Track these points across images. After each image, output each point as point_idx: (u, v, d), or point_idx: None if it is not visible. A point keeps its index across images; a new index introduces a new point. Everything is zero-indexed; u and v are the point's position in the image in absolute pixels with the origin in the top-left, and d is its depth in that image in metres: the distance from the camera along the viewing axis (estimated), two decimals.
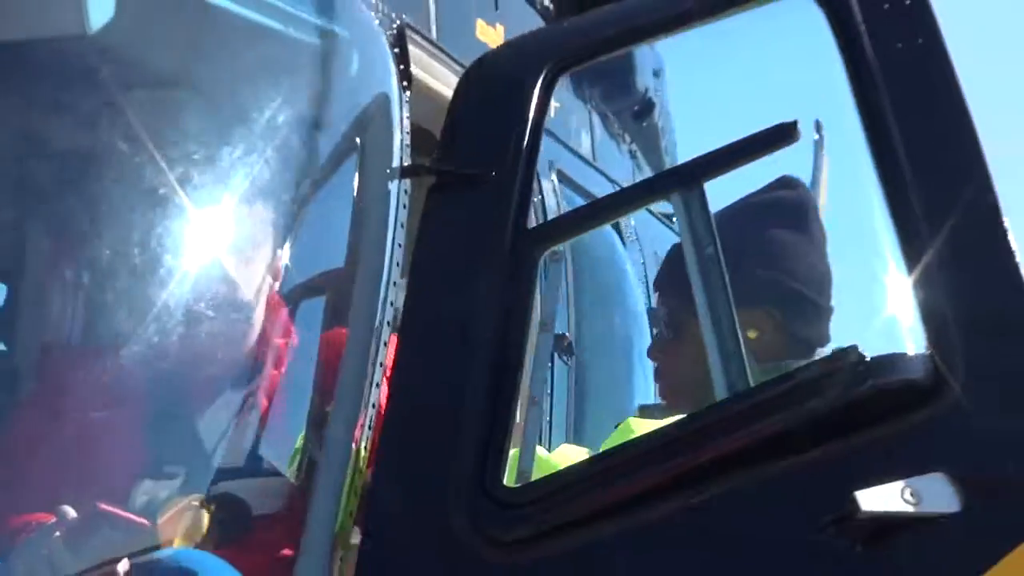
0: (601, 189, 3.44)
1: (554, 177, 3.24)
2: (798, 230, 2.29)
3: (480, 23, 3.06)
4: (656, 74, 4.38)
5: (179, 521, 1.74)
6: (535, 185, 3.00)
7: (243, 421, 1.95)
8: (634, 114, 4.33)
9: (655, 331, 2.40)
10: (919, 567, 1.56)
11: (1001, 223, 1.62)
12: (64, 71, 1.97)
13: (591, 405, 3.09)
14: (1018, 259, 1.60)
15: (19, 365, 2.16)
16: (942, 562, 1.55)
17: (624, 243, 3.58)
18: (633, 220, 3.61)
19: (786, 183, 2.36)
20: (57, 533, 1.62)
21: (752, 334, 2.19)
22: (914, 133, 1.70)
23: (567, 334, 2.98)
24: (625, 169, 4.22)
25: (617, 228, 3.58)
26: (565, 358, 2.96)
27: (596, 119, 4.05)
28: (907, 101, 1.73)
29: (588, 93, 3.97)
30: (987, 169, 1.67)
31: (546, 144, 3.25)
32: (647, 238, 3.70)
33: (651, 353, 2.40)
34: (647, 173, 4.29)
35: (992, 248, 1.63)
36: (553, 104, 3.45)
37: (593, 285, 3.34)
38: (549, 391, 2.87)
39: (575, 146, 3.74)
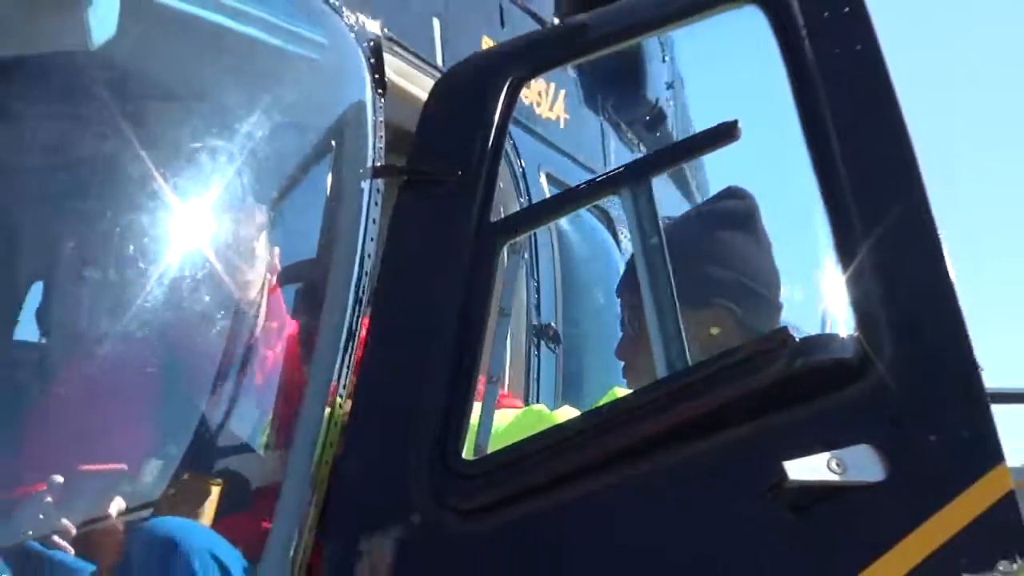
0: None
1: (543, 179, 3.37)
2: (749, 235, 2.41)
3: (486, 39, 3.21)
4: (669, 86, 4.51)
5: (184, 494, 1.90)
6: (523, 186, 3.14)
7: (237, 402, 2.10)
8: (646, 124, 4.45)
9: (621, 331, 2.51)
10: (846, 532, 1.67)
11: (929, 222, 1.74)
12: (67, 83, 2.14)
13: (575, 390, 3.21)
14: (942, 257, 1.72)
15: (53, 355, 2.29)
16: (867, 527, 1.65)
17: (619, 243, 3.70)
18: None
19: (734, 193, 2.50)
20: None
21: (715, 330, 2.32)
22: (850, 135, 1.82)
23: (552, 324, 3.10)
24: None
25: (612, 227, 3.70)
26: (552, 346, 3.08)
27: (609, 129, 4.16)
28: (844, 104, 1.85)
29: (601, 104, 4.08)
30: (918, 168, 1.79)
31: (535, 148, 3.40)
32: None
33: (617, 351, 2.52)
34: None
35: (919, 246, 1.75)
36: (563, 115, 3.59)
37: (579, 279, 3.47)
38: (536, 377, 3.01)
39: (589, 154, 3.86)
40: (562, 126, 3.67)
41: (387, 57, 2.18)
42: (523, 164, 3.14)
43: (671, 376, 1.74)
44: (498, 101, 1.95)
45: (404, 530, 1.70)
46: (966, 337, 1.68)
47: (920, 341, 1.70)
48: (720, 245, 2.40)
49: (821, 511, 1.64)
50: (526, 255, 2.90)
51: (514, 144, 3.04)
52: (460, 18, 3.08)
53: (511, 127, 2.10)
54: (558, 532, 1.73)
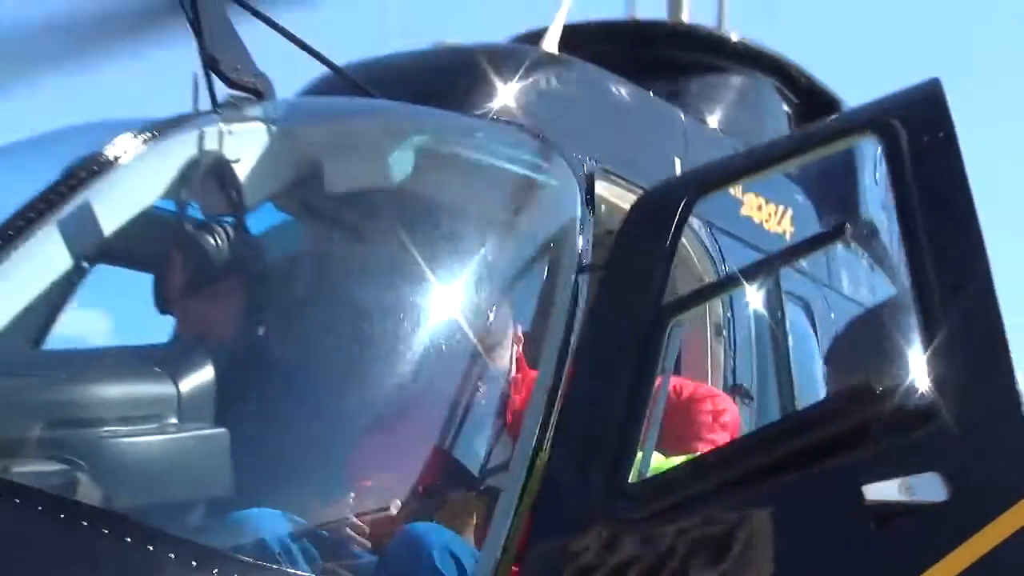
0: None
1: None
2: None
3: None
4: None
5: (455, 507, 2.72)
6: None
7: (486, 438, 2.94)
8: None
9: None
10: (918, 543, 2.20)
11: (991, 310, 2.26)
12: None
13: None
14: (997, 348, 2.23)
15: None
16: (935, 538, 2.18)
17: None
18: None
19: None
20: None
21: None
22: (938, 239, 2.38)
23: (746, 384, 3.66)
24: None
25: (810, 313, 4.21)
26: (747, 401, 3.64)
27: None
28: (934, 217, 2.41)
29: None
30: (988, 269, 2.31)
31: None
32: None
33: None
34: None
35: (987, 334, 2.26)
36: (790, 228, 4.09)
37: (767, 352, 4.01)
38: None
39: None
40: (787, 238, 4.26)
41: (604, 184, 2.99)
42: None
43: (783, 419, 2.37)
44: (673, 215, 2.67)
45: (590, 538, 2.37)
46: (1014, 404, 2.19)
47: (977, 401, 2.22)
48: None
49: (899, 525, 2.19)
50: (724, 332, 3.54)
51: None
52: (694, 157, 3.72)
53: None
54: (698, 535, 2.35)
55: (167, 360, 2.62)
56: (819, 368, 3.90)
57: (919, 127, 2.52)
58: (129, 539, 2.09)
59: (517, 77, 3.47)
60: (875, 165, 3.16)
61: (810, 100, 5.20)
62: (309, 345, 2.97)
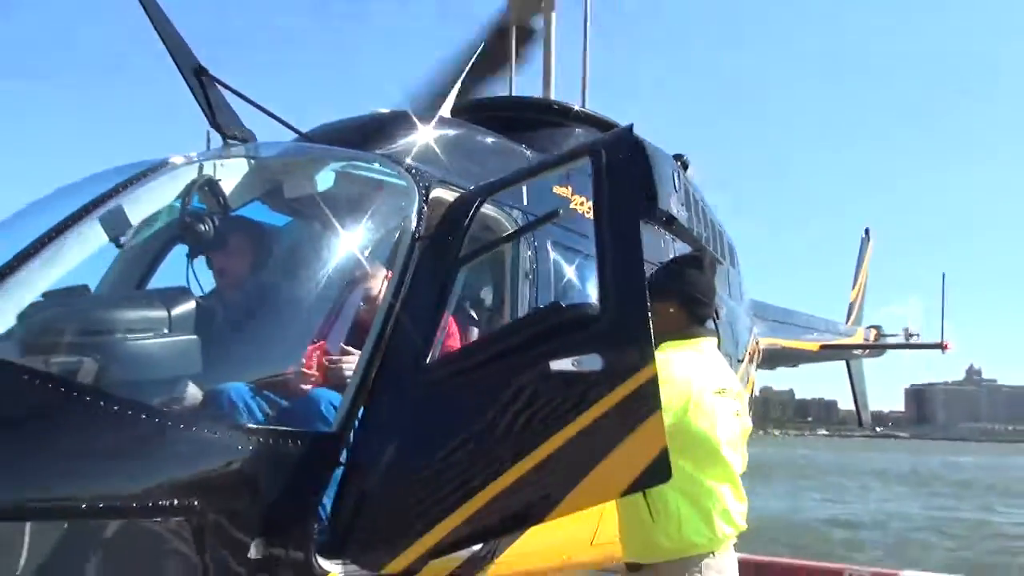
0: None
1: None
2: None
3: None
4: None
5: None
6: None
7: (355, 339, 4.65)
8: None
9: None
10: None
11: (637, 268, 3.89)
12: None
13: None
14: (640, 285, 3.86)
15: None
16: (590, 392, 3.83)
17: None
18: None
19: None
20: None
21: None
22: (613, 218, 4.03)
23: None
24: None
25: None
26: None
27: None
28: (610, 210, 4.08)
29: None
30: (640, 255, 3.91)
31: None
32: None
33: None
34: None
35: (628, 280, 3.87)
36: None
37: None
38: None
39: None
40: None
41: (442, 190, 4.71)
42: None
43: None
44: (471, 207, 4.35)
45: (405, 392, 4.04)
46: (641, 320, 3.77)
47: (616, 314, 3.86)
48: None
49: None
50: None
51: None
52: None
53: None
54: (463, 391, 3.99)
55: (166, 297, 4.26)
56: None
57: (612, 151, 4.16)
58: (121, 409, 3.39)
59: (414, 130, 5.30)
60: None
61: None
62: (259, 290, 4.73)
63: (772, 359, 11.49)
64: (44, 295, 4.02)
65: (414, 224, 4.43)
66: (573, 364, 3.77)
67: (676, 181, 7.86)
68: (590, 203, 5.86)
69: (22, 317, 3.82)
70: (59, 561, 3.30)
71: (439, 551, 3.84)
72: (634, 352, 3.74)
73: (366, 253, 4.54)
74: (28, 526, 3.18)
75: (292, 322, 4.53)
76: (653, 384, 3.68)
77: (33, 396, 3.33)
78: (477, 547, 4.59)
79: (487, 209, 4.64)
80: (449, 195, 4.70)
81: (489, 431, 3.84)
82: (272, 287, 4.74)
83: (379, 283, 4.69)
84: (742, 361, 8.38)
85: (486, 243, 4.60)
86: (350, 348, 4.53)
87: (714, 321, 4.93)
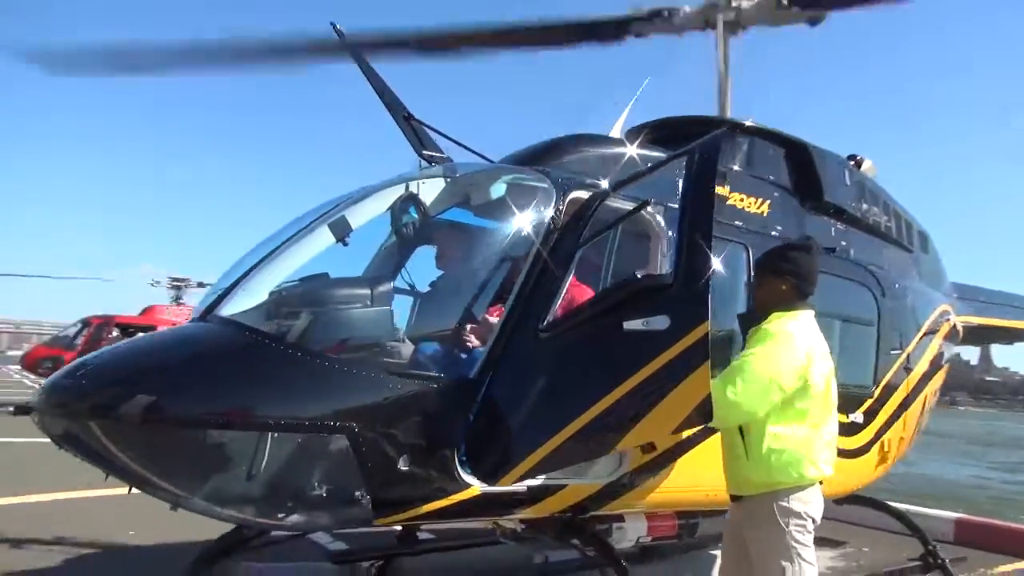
0: None
1: None
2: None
3: None
4: None
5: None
6: None
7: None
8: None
9: None
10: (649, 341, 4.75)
11: (703, 258, 4.79)
12: None
13: None
14: (705, 262, 4.73)
15: None
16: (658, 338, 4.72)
17: None
18: None
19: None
20: None
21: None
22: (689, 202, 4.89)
23: None
24: None
25: None
26: None
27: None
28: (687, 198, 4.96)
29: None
30: (710, 228, 4.84)
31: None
32: None
33: None
34: None
35: (693, 264, 4.82)
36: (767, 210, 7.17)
37: None
38: None
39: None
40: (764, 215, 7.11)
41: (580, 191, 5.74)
42: None
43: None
44: (597, 203, 5.43)
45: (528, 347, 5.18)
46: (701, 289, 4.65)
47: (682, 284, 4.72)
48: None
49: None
50: None
51: None
52: None
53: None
54: (569, 347, 5.01)
55: (372, 280, 5.67)
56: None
57: (703, 152, 5.04)
58: (311, 357, 4.71)
59: (577, 148, 6.42)
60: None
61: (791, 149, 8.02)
62: (442, 277, 6.15)
63: (979, 336, 11.90)
64: (299, 279, 5.52)
65: (550, 217, 5.52)
66: (644, 323, 4.74)
67: (846, 177, 8.43)
68: (748, 199, 6.80)
69: (270, 294, 5.37)
70: (263, 462, 4.50)
71: (541, 469, 4.90)
72: (692, 314, 4.66)
73: (519, 242, 5.64)
74: (240, 435, 4.52)
75: (455, 298, 5.85)
76: (705, 340, 4.58)
77: (253, 348, 4.76)
78: (616, 476, 5.64)
79: (619, 203, 5.64)
80: (586, 195, 5.72)
81: (579, 377, 4.90)
82: (449, 275, 6.13)
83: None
84: (922, 334, 8.78)
85: (601, 227, 5.52)
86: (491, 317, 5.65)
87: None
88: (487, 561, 8.28)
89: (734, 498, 5.25)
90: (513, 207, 5.74)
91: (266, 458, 4.54)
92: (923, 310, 8.99)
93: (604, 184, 5.86)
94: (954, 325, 10.07)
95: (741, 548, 5.24)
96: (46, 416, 4.51)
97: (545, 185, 5.70)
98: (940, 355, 9.34)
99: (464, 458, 4.98)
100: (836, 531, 11.60)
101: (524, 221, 5.62)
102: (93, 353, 4.98)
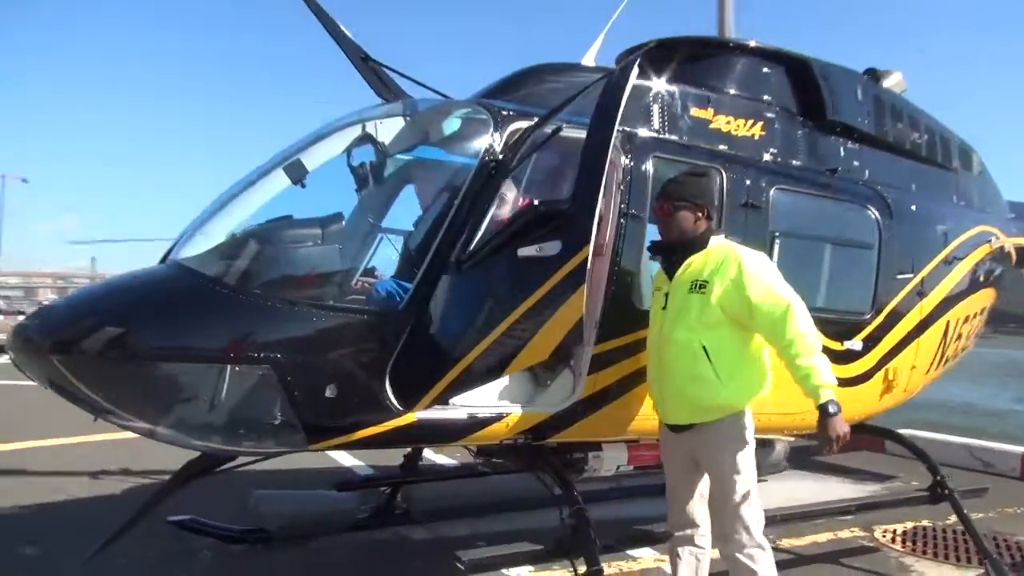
0: None
1: None
2: None
3: None
4: None
5: None
6: None
7: None
8: None
9: None
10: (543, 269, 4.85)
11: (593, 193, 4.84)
12: None
13: None
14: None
15: None
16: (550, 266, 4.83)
17: None
18: None
19: None
20: None
21: None
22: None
23: None
24: None
25: None
26: None
27: None
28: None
29: None
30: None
31: None
32: None
33: None
34: None
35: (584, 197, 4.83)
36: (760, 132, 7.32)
37: None
38: None
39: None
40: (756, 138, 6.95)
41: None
42: None
43: None
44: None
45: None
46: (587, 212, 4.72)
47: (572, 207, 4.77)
48: None
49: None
50: None
51: None
52: None
53: None
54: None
55: (324, 220, 5.90)
56: None
57: (617, 76, 5.09)
58: (247, 296, 4.89)
59: (538, 80, 6.33)
60: None
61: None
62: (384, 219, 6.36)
63: None
64: (258, 224, 5.79)
65: (484, 149, 5.45)
66: (537, 249, 4.90)
67: (858, 93, 7.90)
68: (736, 121, 6.60)
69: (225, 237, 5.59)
70: (195, 389, 4.89)
71: (450, 393, 5.15)
72: (576, 238, 4.81)
73: (453, 176, 5.73)
74: (175, 367, 4.86)
75: (389, 234, 6.17)
76: (584, 264, 4.76)
77: (196, 288, 5.03)
78: (569, 403, 5.70)
79: (572, 133, 5.55)
80: (525, 125, 5.62)
81: (483, 304, 5.14)
82: (386, 212, 6.33)
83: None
84: (944, 257, 8.27)
85: (522, 155, 5.47)
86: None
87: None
88: (493, 494, 8.62)
89: (686, 426, 5.22)
90: (451, 142, 5.84)
91: (203, 388, 4.92)
92: (953, 232, 8.43)
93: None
94: (1000, 247, 9.39)
95: (692, 471, 5.30)
96: (17, 355, 5.02)
97: (483, 117, 5.69)
98: (974, 279, 8.76)
99: (392, 387, 5.18)
100: (886, 465, 11.47)
101: (458, 154, 5.73)
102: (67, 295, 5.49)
